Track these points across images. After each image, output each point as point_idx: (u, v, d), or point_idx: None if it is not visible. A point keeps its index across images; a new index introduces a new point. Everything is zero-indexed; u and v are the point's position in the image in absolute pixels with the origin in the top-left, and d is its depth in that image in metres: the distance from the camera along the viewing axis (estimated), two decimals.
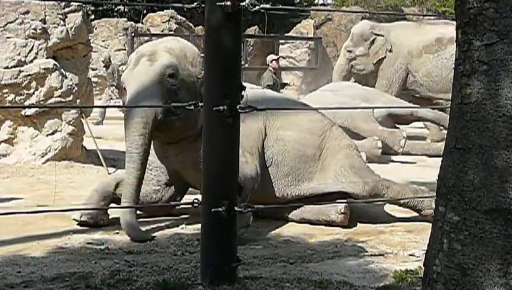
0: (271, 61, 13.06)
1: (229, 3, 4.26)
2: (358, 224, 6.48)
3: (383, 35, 13.76)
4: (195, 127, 6.11)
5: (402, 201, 6.55)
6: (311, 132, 6.70)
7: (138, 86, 6.00)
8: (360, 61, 13.94)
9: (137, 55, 6.26)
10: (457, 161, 2.47)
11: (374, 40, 13.80)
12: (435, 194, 6.21)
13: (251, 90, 5.11)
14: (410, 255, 5.42)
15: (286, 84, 12.28)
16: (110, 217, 6.24)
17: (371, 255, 5.40)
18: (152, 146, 6.32)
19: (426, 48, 13.60)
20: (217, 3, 4.28)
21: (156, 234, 5.93)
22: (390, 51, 13.72)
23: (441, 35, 13.56)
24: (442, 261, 2.48)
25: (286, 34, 23.78)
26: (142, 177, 5.94)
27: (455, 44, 2.58)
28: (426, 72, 13.53)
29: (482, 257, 2.36)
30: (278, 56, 14.13)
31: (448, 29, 13.50)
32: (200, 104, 4.58)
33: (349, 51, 14.00)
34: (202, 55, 6.31)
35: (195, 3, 4.62)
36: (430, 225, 5.91)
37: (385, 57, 13.74)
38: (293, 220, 6.52)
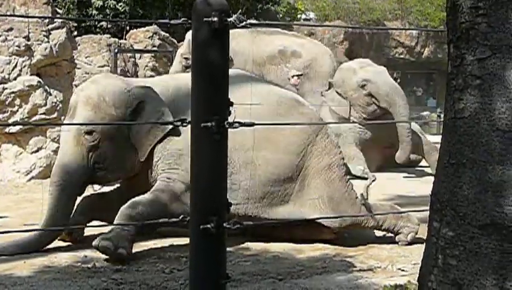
0: (292, 77, 12.56)
1: (216, 19, 4.22)
2: (347, 239, 6.46)
3: None
4: (134, 170, 6.14)
5: (382, 227, 6.40)
6: (288, 151, 6.12)
7: (62, 153, 6.08)
8: None
9: (69, 104, 6.23)
10: (451, 176, 2.46)
11: None
12: (415, 218, 6.21)
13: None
14: (399, 269, 5.41)
15: None
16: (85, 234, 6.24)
17: (360, 270, 5.39)
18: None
19: (269, 59, 13.27)
20: (204, 19, 4.26)
21: (143, 251, 5.89)
22: (231, 60, 13.39)
23: (284, 48, 13.21)
24: (437, 277, 2.46)
25: None
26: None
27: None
28: None
29: (478, 272, 2.35)
30: (300, 73, 13.15)
31: (290, 42, 13.30)
32: (187, 122, 4.55)
33: (186, 58, 12.99)
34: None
35: (182, 19, 4.60)
36: (418, 239, 5.93)
37: None
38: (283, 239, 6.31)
